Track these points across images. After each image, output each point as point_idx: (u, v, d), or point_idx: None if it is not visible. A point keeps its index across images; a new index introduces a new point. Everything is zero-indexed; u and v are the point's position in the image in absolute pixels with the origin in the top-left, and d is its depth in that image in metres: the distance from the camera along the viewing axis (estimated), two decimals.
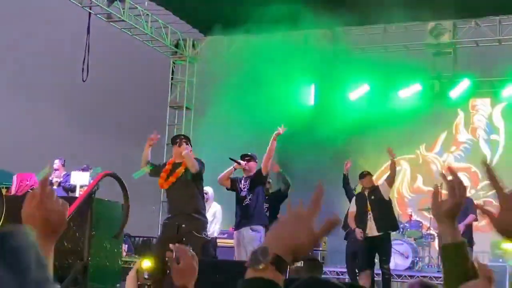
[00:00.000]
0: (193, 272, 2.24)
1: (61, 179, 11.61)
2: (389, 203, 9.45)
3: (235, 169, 8.42)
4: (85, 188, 11.03)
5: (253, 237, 8.13)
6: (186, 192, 7.37)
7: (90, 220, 4.11)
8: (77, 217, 4.01)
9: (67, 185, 11.52)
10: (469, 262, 2.00)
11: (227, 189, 8.62)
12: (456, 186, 2.00)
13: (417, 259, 11.97)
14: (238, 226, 8.43)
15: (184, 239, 7.37)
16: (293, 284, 1.45)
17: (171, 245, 2.44)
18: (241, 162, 8.41)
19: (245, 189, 8.38)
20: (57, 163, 11.84)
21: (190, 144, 7.61)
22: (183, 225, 7.21)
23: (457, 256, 2.01)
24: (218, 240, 11.39)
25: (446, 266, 2.03)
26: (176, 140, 7.64)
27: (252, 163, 8.49)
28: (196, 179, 7.46)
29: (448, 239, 2.03)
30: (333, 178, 10.66)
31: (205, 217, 7.61)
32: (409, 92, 14.45)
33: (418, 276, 11.23)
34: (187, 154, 7.36)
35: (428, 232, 12.31)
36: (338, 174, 10.58)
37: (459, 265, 1.99)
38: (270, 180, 9.78)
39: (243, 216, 8.32)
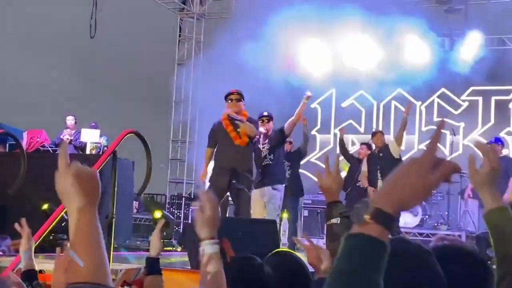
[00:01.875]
0: (215, 224, 2.21)
1: (72, 137, 11.60)
2: (398, 161, 9.40)
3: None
4: (96, 145, 11.06)
5: (274, 195, 8.19)
6: (243, 150, 7.49)
7: (114, 178, 4.11)
8: (100, 175, 3.98)
9: (77, 143, 11.51)
10: None
11: None
12: (490, 152, 2.06)
13: (426, 216, 12.04)
14: (258, 185, 8.40)
15: (232, 193, 7.60)
16: None
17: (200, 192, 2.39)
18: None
19: (265, 149, 8.36)
20: (70, 120, 11.79)
21: (243, 99, 7.66)
22: (233, 181, 7.32)
23: (503, 220, 2.00)
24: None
25: (493, 232, 2.01)
26: (230, 98, 7.60)
27: (271, 124, 8.48)
28: (252, 140, 7.67)
29: (490, 205, 2.04)
30: None
31: (253, 177, 7.77)
32: (419, 49, 14.30)
33: (428, 234, 11.32)
34: (246, 123, 7.43)
35: (437, 190, 12.34)
36: None
37: (507, 228, 1.98)
38: (292, 140, 9.90)
39: (264, 175, 8.30)
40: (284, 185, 8.43)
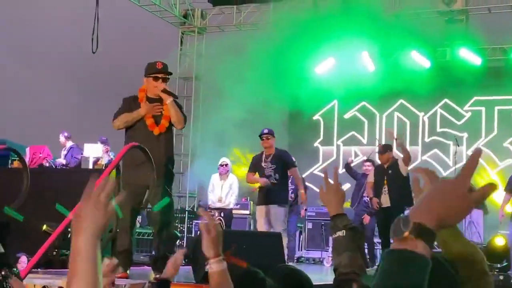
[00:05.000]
0: (219, 242, 2.30)
1: (66, 152, 11.73)
2: (405, 179, 9.31)
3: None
4: (101, 159, 11.06)
5: (280, 211, 8.35)
6: (163, 138, 6.02)
7: (117, 192, 4.06)
8: None
9: (69, 158, 11.67)
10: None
11: None
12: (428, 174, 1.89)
13: None
14: (263, 201, 8.51)
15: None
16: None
17: (202, 212, 2.50)
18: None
19: (270, 168, 8.46)
20: (62, 137, 11.98)
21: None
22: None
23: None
24: (233, 211, 11.39)
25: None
26: (156, 75, 6.02)
27: (272, 140, 8.54)
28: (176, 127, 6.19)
29: None
30: None
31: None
32: (421, 59, 14.30)
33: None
34: (173, 104, 5.96)
35: None
36: None
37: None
38: None
39: (269, 193, 8.42)
40: (287, 205, 8.58)
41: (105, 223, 1.60)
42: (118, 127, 6.00)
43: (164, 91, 5.98)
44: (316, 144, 15.62)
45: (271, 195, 8.38)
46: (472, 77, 13.70)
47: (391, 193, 9.26)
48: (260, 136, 8.59)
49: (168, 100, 5.94)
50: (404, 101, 14.93)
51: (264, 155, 8.58)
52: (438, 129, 14.75)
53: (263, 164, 8.51)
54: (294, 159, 8.93)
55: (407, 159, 9.26)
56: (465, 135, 14.44)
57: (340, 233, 2.68)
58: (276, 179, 8.40)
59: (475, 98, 14.46)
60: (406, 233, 1.18)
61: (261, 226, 8.35)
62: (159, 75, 6.00)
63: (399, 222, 1.20)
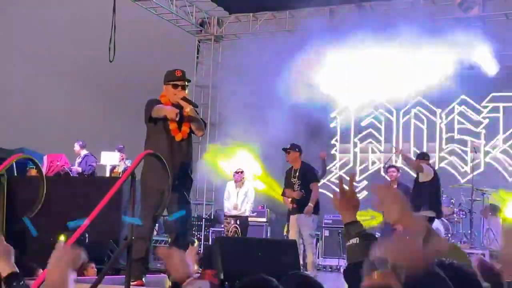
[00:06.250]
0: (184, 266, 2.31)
1: (80, 160, 11.85)
2: (421, 185, 9.36)
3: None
4: (116, 167, 11.13)
5: (307, 217, 8.86)
6: (185, 144, 6.05)
7: (133, 200, 4.09)
8: (115, 197, 3.98)
9: (83, 166, 11.79)
10: None
11: None
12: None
13: (449, 235, 11.89)
14: (293, 212, 8.95)
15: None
16: None
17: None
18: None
19: (297, 184, 8.94)
20: (76, 146, 12.13)
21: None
22: (176, 182, 5.62)
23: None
24: (249, 218, 11.39)
25: None
26: (176, 83, 5.95)
27: (292, 154, 8.82)
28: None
29: None
30: None
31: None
32: (437, 66, 14.18)
33: None
34: (193, 111, 5.95)
35: (460, 208, 12.21)
36: None
37: None
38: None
39: (297, 203, 8.88)
40: (315, 215, 9.03)
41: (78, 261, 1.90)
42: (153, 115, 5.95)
43: (184, 99, 5.98)
44: (332, 151, 15.58)
45: (301, 205, 8.83)
46: (489, 84, 13.62)
47: (410, 199, 9.26)
48: (283, 150, 8.95)
49: (188, 108, 5.92)
50: (421, 107, 14.86)
51: (292, 170, 9.06)
52: (456, 136, 14.66)
53: (292, 179, 8.99)
54: (316, 173, 9.31)
55: (414, 166, 9.42)
56: (483, 141, 14.35)
57: (354, 241, 2.66)
58: (302, 190, 8.89)
59: (493, 104, 14.37)
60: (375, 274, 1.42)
61: (291, 236, 8.71)
62: (179, 83, 6.00)
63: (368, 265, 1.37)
